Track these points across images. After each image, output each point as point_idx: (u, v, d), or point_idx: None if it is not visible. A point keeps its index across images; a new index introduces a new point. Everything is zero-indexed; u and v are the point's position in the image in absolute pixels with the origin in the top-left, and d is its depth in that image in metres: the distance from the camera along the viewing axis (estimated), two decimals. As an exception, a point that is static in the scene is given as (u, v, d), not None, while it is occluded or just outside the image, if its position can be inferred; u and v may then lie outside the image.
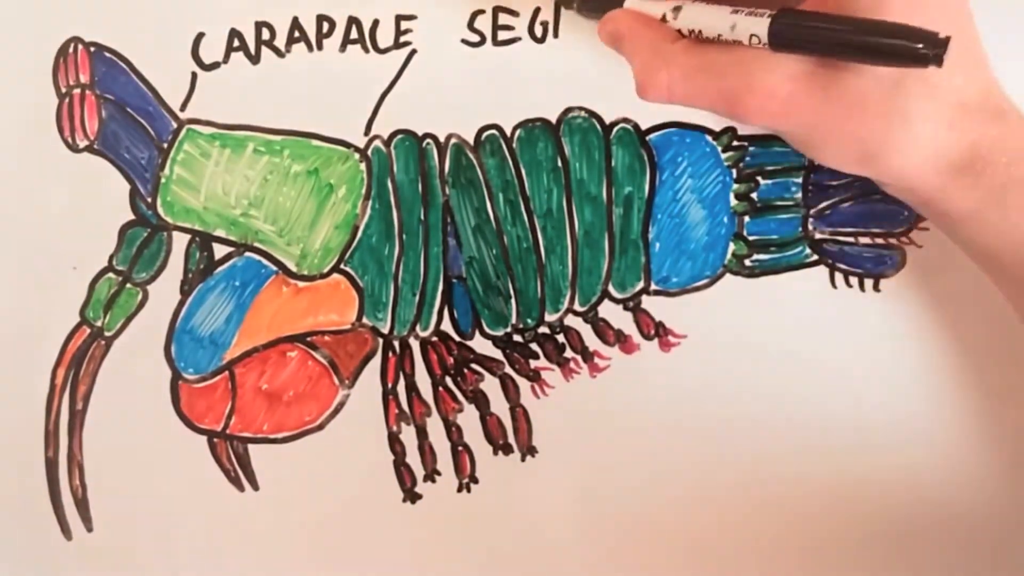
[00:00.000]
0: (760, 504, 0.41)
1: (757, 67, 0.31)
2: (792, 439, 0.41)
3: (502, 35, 0.40)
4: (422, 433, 0.41)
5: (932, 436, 0.41)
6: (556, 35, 0.40)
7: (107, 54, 0.39)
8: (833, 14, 0.29)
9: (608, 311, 0.41)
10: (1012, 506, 0.41)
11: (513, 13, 0.40)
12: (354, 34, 0.39)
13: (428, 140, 0.40)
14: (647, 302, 0.41)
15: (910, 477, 0.42)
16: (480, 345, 0.41)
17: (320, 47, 0.39)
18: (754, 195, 0.40)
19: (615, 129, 0.40)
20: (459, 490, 0.41)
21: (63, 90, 0.39)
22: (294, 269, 0.40)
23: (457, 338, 0.41)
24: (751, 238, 0.40)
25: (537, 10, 0.40)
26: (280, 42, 0.39)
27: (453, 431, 0.41)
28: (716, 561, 0.42)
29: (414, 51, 0.40)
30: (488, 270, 0.40)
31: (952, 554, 0.41)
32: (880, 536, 0.41)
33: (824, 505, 0.41)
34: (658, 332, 0.41)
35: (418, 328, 0.41)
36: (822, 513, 0.41)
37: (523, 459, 0.41)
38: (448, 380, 0.41)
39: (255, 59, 0.39)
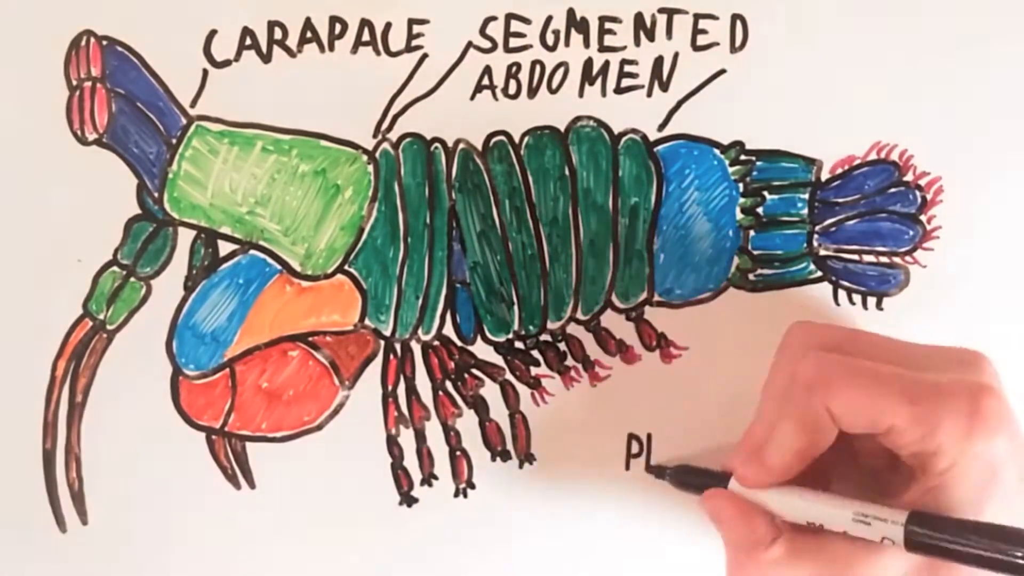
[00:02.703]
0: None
1: (859, 567, 0.31)
2: (790, 455, 0.41)
3: (513, 42, 0.40)
4: (421, 437, 0.41)
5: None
6: (568, 44, 0.40)
7: (119, 48, 0.39)
8: (970, 521, 0.29)
9: (610, 321, 0.41)
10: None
11: (525, 20, 0.40)
12: (366, 36, 0.40)
13: (436, 144, 0.40)
14: (650, 313, 0.41)
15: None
16: (481, 351, 0.41)
17: (332, 48, 0.40)
18: (760, 210, 0.40)
19: (623, 139, 0.40)
20: (456, 495, 0.41)
21: (74, 83, 0.39)
22: (298, 268, 0.40)
23: (459, 343, 0.41)
24: (756, 252, 0.41)
25: (549, 18, 0.40)
26: (292, 42, 0.39)
27: (452, 436, 0.41)
28: (716, 561, 0.42)
29: (425, 55, 0.40)
30: (492, 276, 0.40)
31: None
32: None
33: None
34: (660, 343, 0.41)
35: (420, 331, 0.41)
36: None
37: (521, 466, 0.41)
38: (448, 384, 0.41)
39: (267, 58, 0.39)
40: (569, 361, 0.41)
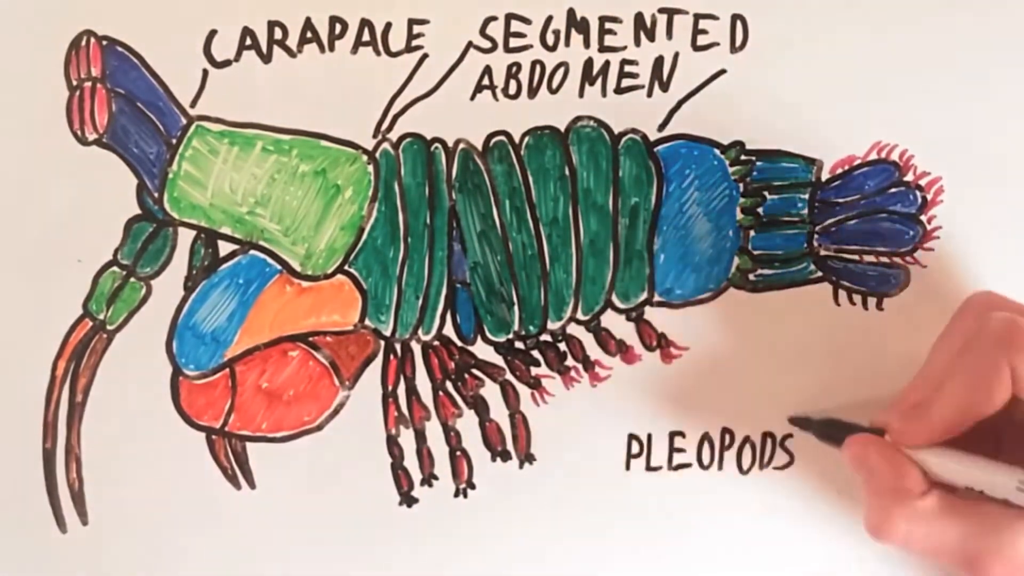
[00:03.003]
0: (760, 512, 0.41)
1: (1009, 532, 0.30)
2: (788, 452, 0.41)
3: (514, 42, 0.40)
4: (421, 437, 0.41)
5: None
6: (568, 44, 0.40)
7: (119, 48, 0.39)
8: None
9: (611, 321, 0.41)
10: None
11: (526, 21, 0.40)
12: (366, 36, 0.40)
13: (436, 144, 0.40)
14: (650, 313, 0.41)
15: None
16: (481, 351, 0.41)
17: (332, 48, 0.40)
18: (760, 210, 0.40)
19: (623, 139, 0.40)
20: (456, 495, 0.41)
21: (74, 83, 0.39)
22: (298, 269, 0.40)
23: (459, 343, 0.41)
24: (756, 252, 0.41)
25: (549, 18, 0.40)
26: (292, 42, 0.39)
27: (452, 436, 0.41)
28: (716, 561, 0.42)
29: (425, 55, 0.40)
30: (492, 276, 0.40)
31: None
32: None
33: (817, 503, 0.41)
34: (660, 343, 0.41)
35: (420, 332, 0.41)
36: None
37: (521, 466, 0.41)
38: (448, 385, 0.41)
39: (267, 58, 0.39)
40: (569, 361, 0.41)
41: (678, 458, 0.41)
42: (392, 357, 0.41)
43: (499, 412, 0.41)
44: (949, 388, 0.31)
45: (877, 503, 0.33)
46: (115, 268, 0.40)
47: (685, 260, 0.41)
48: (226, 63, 0.39)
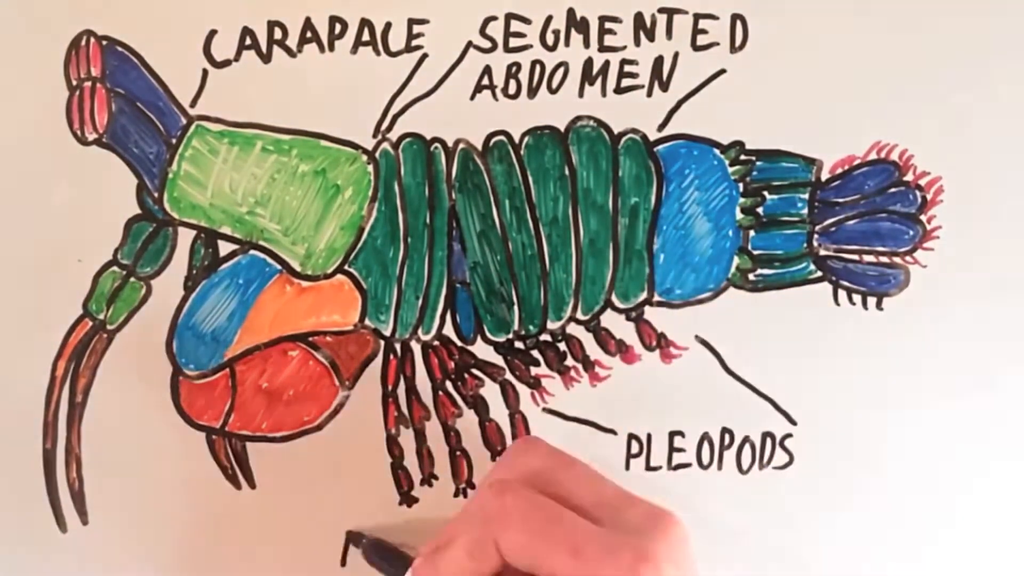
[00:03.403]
0: (760, 512, 0.41)
1: None
2: (788, 452, 0.41)
3: (513, 42, 0.40)
4: (421, 437, 0.41)
5: (930, 453, 0.41)
6: (568, 44, 0.40)
7: (119, 48, 0.39)
8: None
9: (610, 321, 0.41)
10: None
11: (525, 21, 0.40)
12: (366, 36, 0.39)
13: (436, 144, 0.40)
14: (650, 313, 0.41)
15: (905, 491, 0.42)
16: (481, 350, 0.41)
17: (332, 48, 0.39)
18: (760, 210, 0.41)
19: (623, 139, 0.40)
20: (456, 495, 0.41)
21: (74, 83, 0.39)
22: (298, 268, 0.40)
23: (459, 343, 0.41)
24: (756, 252, 0.41)
25: (549, 18, 0.40)
26: (292, 42, 0.39)
27: (452, 436, 0.41)
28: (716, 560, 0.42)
29: (425, 55, 0.40)
30: (492, 276, 0.40)
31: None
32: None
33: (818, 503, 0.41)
34: (660, 343, 0.41)
35: (420, 331, 0.41)
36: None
37: (521, 466, 0.41)
38: (448, 384, 0.41)
39: (266, 58, 0.39)
40: (569, 361, 0.41)
41: (678, 458, 0.41)
42: (392, 357, 0.41)
43: (499, 412, 0.41)
44: (452, 549, 0.32)
45: None
46: (115, 268, 0.40)
47: (685, 260, 0.41)
48: (226, 63, 0.39)
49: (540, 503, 0.31)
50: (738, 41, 0.40)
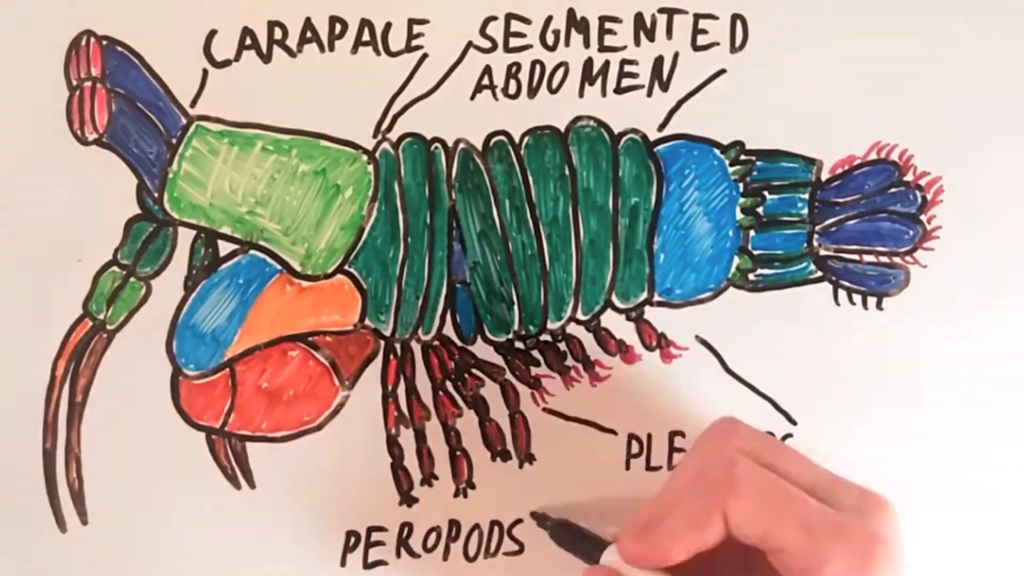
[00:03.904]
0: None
1: None
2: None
3: (514, 42, 0.40)
4: (421, 437, 0.41)
5: (930, 453, 0.41)
6: (568, 44, 0.40)
7: (119, 48, 0.39)
8: None
9: (610, 321, 0.41)
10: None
11: (525, 20, 0.40)
12: (366, 36, 0.39)
13: (436, 144, 0.40)
14: (650, 313, 0.41)
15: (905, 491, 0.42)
16: (481, 351, 0.41)
17: (332, 48, 0.40)
18: (760, 209, 0.41)
19: (623, 139, 0.40)
20: (456, 495, 0.41)
21: (74, 83, 0.39)
22: (298, 268, 0.40)
23: (459, 343, 0.41)
24: (756, 252, 0.41)
25: (549, 18, 0.40)
26: (292, 42, 0.39)
27: (452, 436, 0.41)
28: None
29: (425, 55, 0.40)
30: (492, 276, 0.40)
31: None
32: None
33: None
34: (660, 343, 0.41)
35: (420, 331, 0.41)
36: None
37: (521, 466, 0.41)
38: (448, 384, 0.41)
39: (267, 58, 0.39)
40: (569, 361, 0.41)
41: (678, 458, 0.41)
42: (392, 357, 0.41)
43: (499, 412, 0.41)
44: (671, 520, 0.32)
45: None
46: (115, 268, 0.40)
47: (685, 260, 0.41)
48: (226, 63, 0.39)
49: (771, 477, 0.32)
50: (738, 41, 0.40)
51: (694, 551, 0.32)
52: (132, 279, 0.40)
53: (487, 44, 0.40)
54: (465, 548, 0.41)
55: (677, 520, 0.32)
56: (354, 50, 0.40)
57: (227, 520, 0.41)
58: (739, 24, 0.40)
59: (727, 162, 0.40)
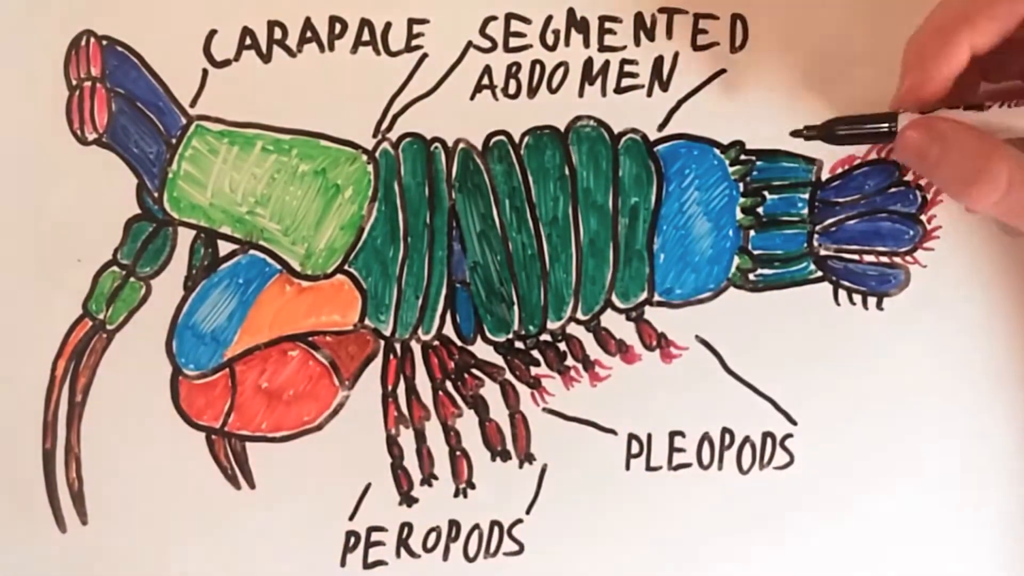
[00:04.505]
0: (760, 512, 0.41)
1: None
2: (788, 452, 0.41)
3: (513, 42, 0.40)
4: (420, 437, 0.41)
5: (930, 453, 0.41)
6: (568, 44, 0.40)
7: (119, 48, 0.39)
8: None
9: (610, 321, 0.41)
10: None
11: (525, 20, 0.40)
12: (366, 36, 0.40)
13: (436, 144, 0.40)
14: (650, 313, 0.41)
15: (905, 490, 0.42)
16: (481, 350, 0.41)
17: (332, 48, 0.40)
18: (760, 209, 0.40)
19: (623, 139, 0.40)
20: (456, 495, 0.41)
21: (74, 83, 0.39)
22: (298, 268, 0.40)
23: (459, 343, 0.41)
24: (756, 252, 0.41)
25: (549, 18, 0.40)
26: (292, 42, 0.39)
27: (452, 436, 0.41)
28: (715, 560, 0.42)
29: (425, 55, 0.40)
30: (492, 276, 0.40)
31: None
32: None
33: (818, 503, 0.41)
34: (660, 343, 0.41)
35: (420, 331, 0.41)
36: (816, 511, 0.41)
37: (521, 466, 0.41)
38: (448, 384, 0.41)
39: (266, 58, 0.39)
40: (569, 361, 0.41)
41: (678, 458, 0.41)
42: (392, 357, 0.41)
43: (499, 412, 0.41)
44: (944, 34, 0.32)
45: (967, 160, 0.32)
46: (115, 268, 0.40)
47: (685, 260, 0.40)
48: (226, 63, 0.40)
49: None
50: (738, 41, 0.40)
51: (967, 54, 0.32)
52: (132, 279, 0.40)
53: (487, 44, 0.40)
54: (465, 548, 0.41)
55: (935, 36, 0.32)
56: (354, 50, 0.40)
57: (227, 520, 0.41)
58: (739, 24, 0.40)
59: (727, 162, 0.40)
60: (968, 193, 0.32)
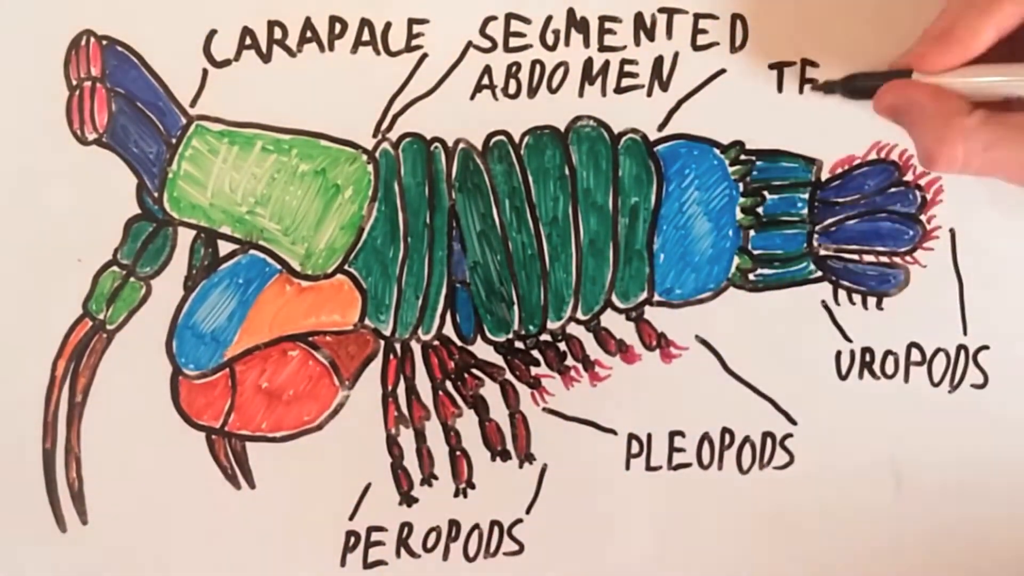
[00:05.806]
0: (760, 512, 0.41)
1: None
2: (788, 452, 0.41)
3: (513, 42, 0.40)
4: (420, 437, 0.41)
5: (930, 453, 0.41)
6: (568, 44, 0.40)
7: (119, 48, 0.39)
8: None
9: (610, 320, 0.41)
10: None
11: (525, 20, 0.40)
12: (366, 36, 0.40)
13: (436, 144, 0.40)
14: (650, 313, 0.41)
15: (905, 490, 0.42)
16: (481, 350, 0.41)
17: (332, 48, 0.40)
18: (760, 209, 0.40)
19: (623, 139, 0.40)
20: (456, 495, 0.41)
21: (74, 83, 0.39)
22: (298, 268, 0.40)
23: (459, 343, 0.41)
24: (756, 252, 0.41)
25: (549, 18, 0.40)
26: (292, 41, 0.39)
27: (452, 436, 0.41)
28: (715, 560, 0.42)
29: (425, 55, 0.40)
30: (492, 276, 0.40)
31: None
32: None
33: (818, 503, 0.41)
34: (660, 343, 0.41)
35: (420, 331, 0.41)
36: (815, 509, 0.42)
37: (521, 466, 0.41)
38: (448, 384, 0.41)
39: (266, 58, 0.39)
40: (569, 361, 0.41)
41: (678, 458, 0.41)
42: (392, 357, 0.41)
43: (499, 412, 0.41)
44: (965, 15, 0.32)
45: (928, 134, 0.33)
46: (115, 268, 0.40)
47: (685, 260, 0.41)
48: (226, 63, 0.40)
49: None
50: (738, 41, 0.40)
51: (994, 36, 0.32)
52: (132, 279, 0.40)
53: (487, 44, 0.40)
54: (465, 548, 0.41)
55: (971, 11, 0.32)
56: (354, 50, 0.40)
57: (227, 520, 0.41)
58: (739, 24, 0.40)
59: (727, 162, 0.40)
60: (930, 166, 0.33)
